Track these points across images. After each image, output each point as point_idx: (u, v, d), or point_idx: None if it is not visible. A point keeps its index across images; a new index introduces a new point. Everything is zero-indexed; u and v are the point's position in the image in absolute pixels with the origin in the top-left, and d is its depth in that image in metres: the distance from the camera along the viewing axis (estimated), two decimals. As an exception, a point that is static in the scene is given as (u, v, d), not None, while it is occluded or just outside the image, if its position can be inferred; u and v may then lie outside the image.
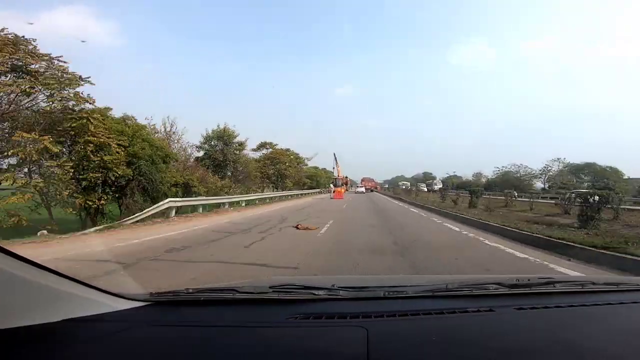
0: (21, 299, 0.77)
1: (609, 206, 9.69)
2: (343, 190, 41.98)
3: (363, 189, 54.40)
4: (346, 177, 59.75)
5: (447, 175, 73.11)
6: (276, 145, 34.69)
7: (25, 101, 9.62)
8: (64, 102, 9.72)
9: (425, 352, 0.84)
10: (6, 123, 9.30)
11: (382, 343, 0.86)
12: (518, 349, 0.87)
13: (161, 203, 10.92)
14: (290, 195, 29.23)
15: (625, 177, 41.30)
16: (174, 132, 19.18)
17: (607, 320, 1.07)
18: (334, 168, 53.88)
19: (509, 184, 41.85)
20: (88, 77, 10.02)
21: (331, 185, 32.13)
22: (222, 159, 22.40)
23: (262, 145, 34.79)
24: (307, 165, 43.48)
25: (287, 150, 36.79)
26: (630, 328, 1.03)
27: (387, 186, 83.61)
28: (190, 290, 1.17)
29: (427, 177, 79.90)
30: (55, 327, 0.81)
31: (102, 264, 4.70)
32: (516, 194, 25.27)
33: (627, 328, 1.03)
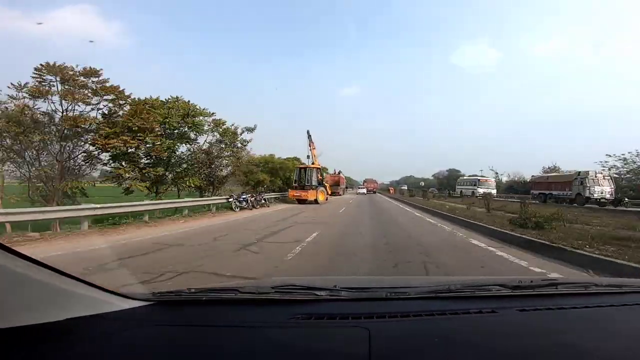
0: (24, 298, 0.77)
1: None
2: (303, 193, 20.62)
3: (364, 190, 53.77)
4: (339, 173, 40.18)
5: (495, 174, 40.64)
6: (122, 88, 14.04)
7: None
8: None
9: (427, 353, 0.84)
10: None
11: (384, 344, 0.86)
12: (520, 351, 0.87)
13: None
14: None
15: None
16: None
17: (610, 322, 1.07)
18: (308, 157, 25.97)
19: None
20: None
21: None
22: None
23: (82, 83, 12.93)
24: (244, 141, 20.14)
25: (177, 99, 17.00)
26: (633, 330, 1.02)
27: (405, 187, 58.36)
28: (193, 290, 1.18)
29: (454, 176, 52.95)
30: (57, 326, 0.81)
31: None
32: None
33: (630, 330, 1.02)
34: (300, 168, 23.82)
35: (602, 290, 1.35)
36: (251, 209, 15.93)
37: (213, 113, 18.69)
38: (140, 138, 14.16)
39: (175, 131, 16.99)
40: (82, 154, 13.93)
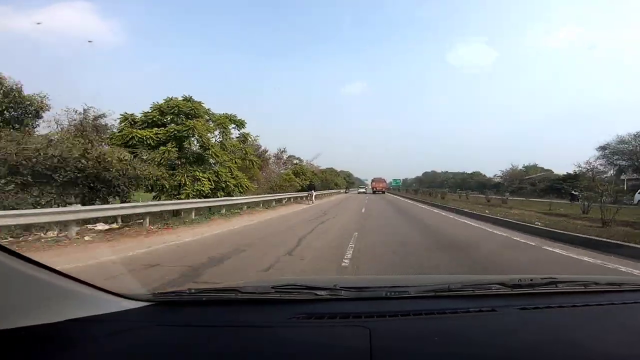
0: (25, 299, 0.78)
1: None
2: None
3: (364, 189, 52.65)
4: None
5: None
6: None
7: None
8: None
9: (428, 352, 0.85)
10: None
11: (384, 343, 0.86)
12: (520, 349, 0.87)
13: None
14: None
15: None
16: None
17: (609, 321, 1.07)
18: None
19: None
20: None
21: None
22: None
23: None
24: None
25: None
26: (633, 328, 1.03)
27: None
28: (193, 291, 1.18)
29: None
30: (58, 327, 0.81)
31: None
32: None
33: (630, 328, 1.02)
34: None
35: (602, 288, 1.34)
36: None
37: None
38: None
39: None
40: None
